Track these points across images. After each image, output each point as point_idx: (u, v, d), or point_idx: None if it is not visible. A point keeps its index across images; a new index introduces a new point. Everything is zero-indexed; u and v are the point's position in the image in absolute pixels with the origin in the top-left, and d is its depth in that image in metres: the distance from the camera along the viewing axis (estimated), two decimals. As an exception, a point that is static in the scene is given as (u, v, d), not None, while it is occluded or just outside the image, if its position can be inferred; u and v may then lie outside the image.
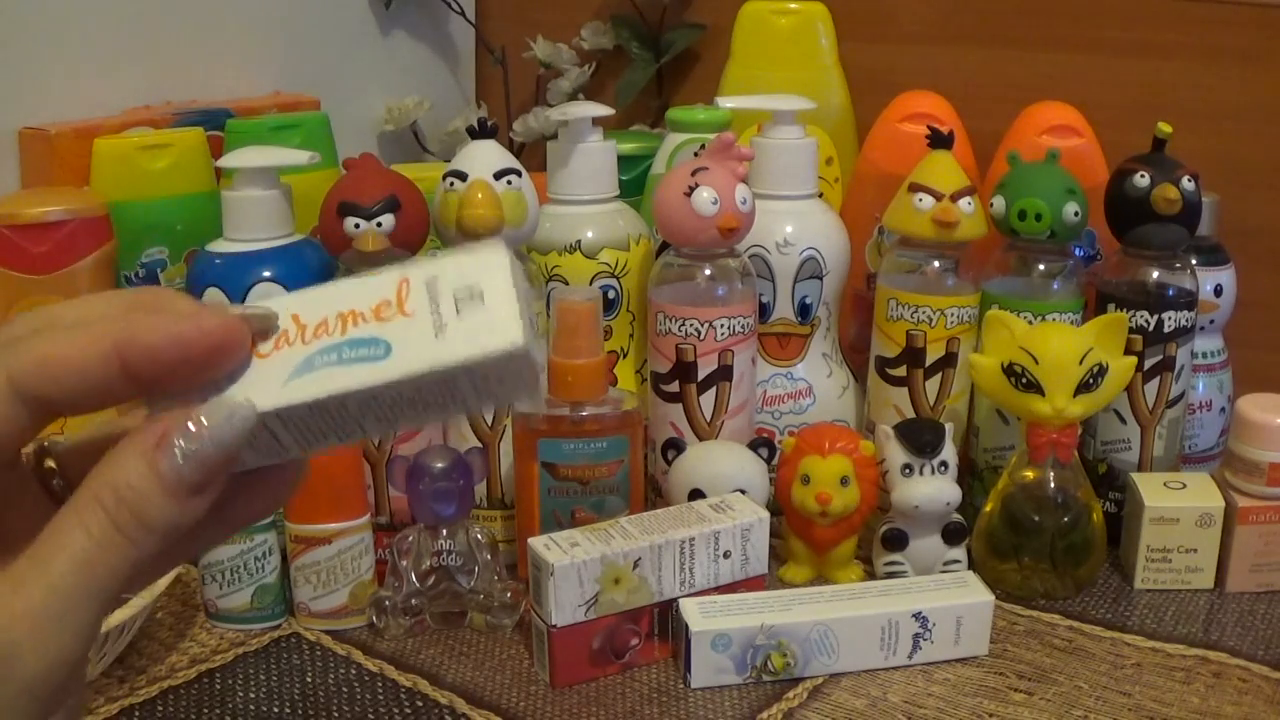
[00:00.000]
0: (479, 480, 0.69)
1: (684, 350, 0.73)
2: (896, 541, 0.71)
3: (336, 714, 0.60)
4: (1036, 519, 0.70)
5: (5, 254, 0.71)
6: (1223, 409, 0.82)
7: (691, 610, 0.62)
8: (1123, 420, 0.75)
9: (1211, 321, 0.81)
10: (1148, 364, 0.74)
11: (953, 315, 0.74)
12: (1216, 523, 0.71)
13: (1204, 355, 0.81)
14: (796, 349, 0.80)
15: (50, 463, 0.36)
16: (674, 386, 0.74)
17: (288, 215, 0.71)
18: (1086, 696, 0.62)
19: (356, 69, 1.08)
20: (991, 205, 0.74)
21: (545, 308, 0.74)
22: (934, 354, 0.75)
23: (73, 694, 0.32)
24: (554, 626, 0.61)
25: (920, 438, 0.70)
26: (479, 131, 0.70)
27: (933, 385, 0.76)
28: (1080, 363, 0.68)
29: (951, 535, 0.71)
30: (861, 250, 0.85)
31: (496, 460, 0.72)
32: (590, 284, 0.76)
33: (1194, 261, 0.76)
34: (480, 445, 0.72)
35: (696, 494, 0.70)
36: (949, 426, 0.71)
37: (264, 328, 0.33)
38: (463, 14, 1.16)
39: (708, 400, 0.74)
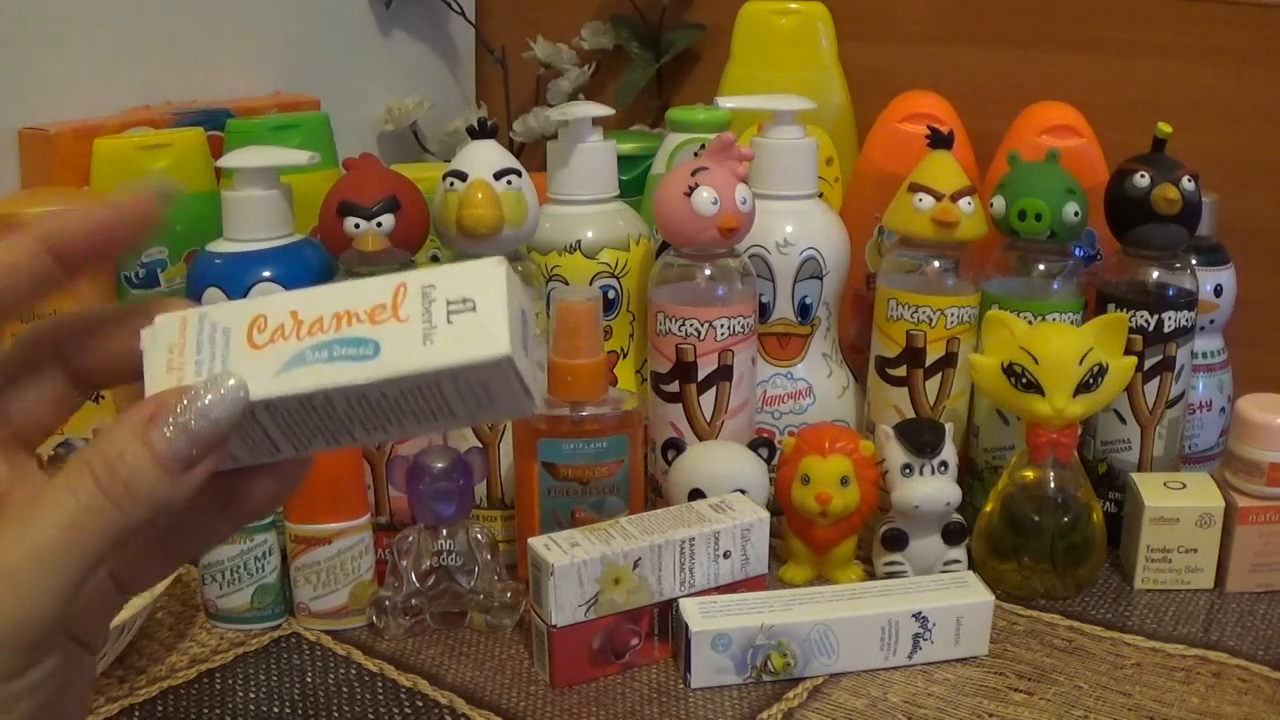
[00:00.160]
0: (479, 480, 0.69)
1: (684, 350, 0.73)
2: (896, 541, 0.71)
3: (336, 714, 0.60)
4: (1036, 519, 0.70)
5: (5, 254, 0.71)
6: (1223, 409, 0.82)
7: (691, 610, 0.62)
8: (1123, 420, 0.75)
9: (1211, 321, 0.81)
10: (1148, 364, 0.74)
11: (953, 315, 0.74)
12: (1216, 523, 0.71)
13: (1204, 355, 0.81)
14: (796, 349, 0.80)
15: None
16: (674, 386, 0.74)
17: (288, 215, 0.71)
18: (1086, 696, 0.62)
19: (356, 69, 1.08)
20: (991, 205, 0.74)
21: (545, 308, 0.74)
22: (934, 354, 0.75)
23: (51, 655, 0.32)
24: (554, 626, 0.61)
25: (920, 438, 0.70)
26: (479, 131, 0.70)
27: (933, 385, 0.76)
28: (1080, 363, 0.68)
29: (951, 535, 0.71)
30: (861, 250, 0.85)
31: (496, 460, 0.72)
32: (590, 284, 0.76)
33: (1194, 261, 0.76)
34: (480, 445, 0.72)
35: (696, 494, 0.70)
36: (949, 426, 0.71)
37: (166, 197, 0.37)
38: (463, 14, 1.16)
39: (708, 400, 0.74)
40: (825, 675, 0.63)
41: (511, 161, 0.70)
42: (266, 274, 0.69)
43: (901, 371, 0.76)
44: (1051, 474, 0.70)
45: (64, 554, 0.31)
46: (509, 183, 0.69)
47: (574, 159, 0.75)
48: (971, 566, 0.71)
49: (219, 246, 0.70)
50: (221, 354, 0.34)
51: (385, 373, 0.33)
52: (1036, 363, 0.68)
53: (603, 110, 0.76)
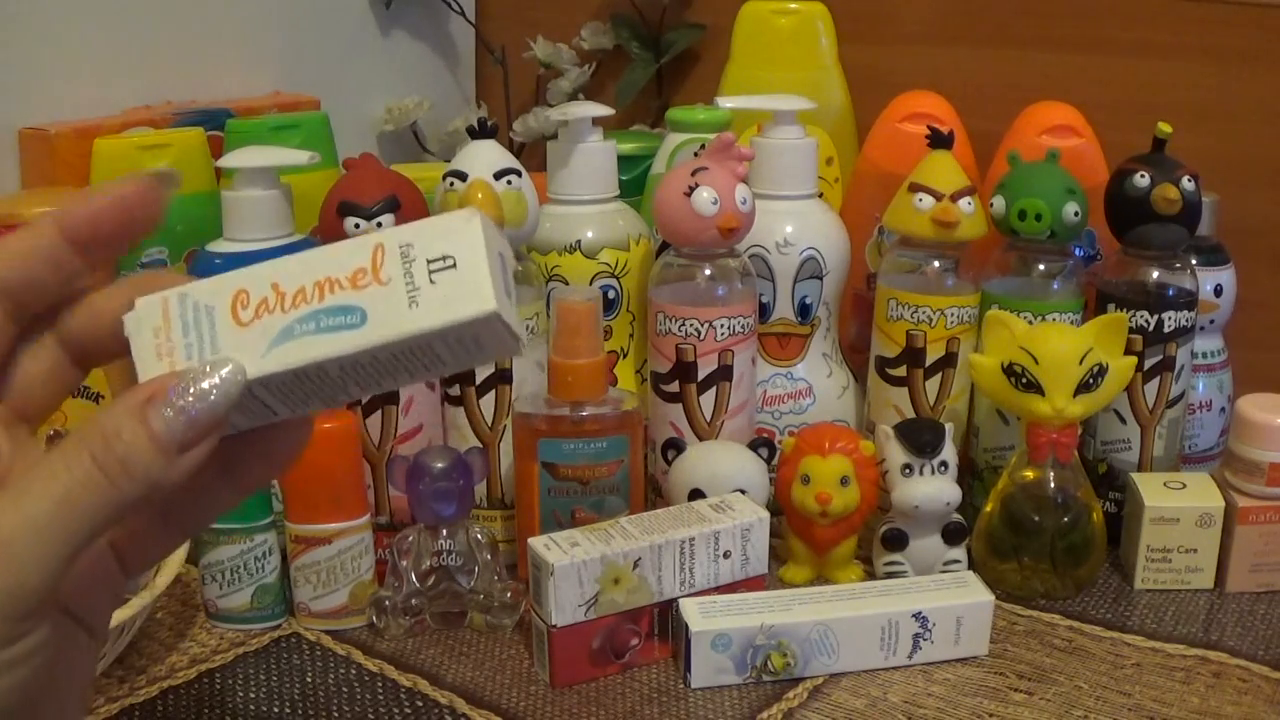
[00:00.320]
0: (479, 480, 0.69)
1: (684, 350, 0.73)
2: (896, 541, 0.71)
3: (336, 714, 0.60)
4: (1036, 519, 0.70)
5: (5, 254, 0.71)
6: (1223, 409, 0.82)
7: (691, 610, 0.62)
8: (1123, 420, 0.75)
9: (1211, 321, 0.81)
10: (1148, 364, 0.74)
11: (953, 315, 0.74)
12: (1216, 523, 0.71)
13: (1204, 355, 0.81)
14: (796, 349, 0.80)
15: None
16: (674, 386, 0.74)
17: (288, 215, 0.71)
18: (1086, 696, 0.62)
19: (356, 69, 1.08)
20: (991, 205, 0.74)
21: (545, 308, 0.74)
22: (934, 354, 0.75)
23: (40, 627, 0.33)
24: (554, 626, 0.61)
25: (920, 438, 0.70)
26: (479, 131, 0.70)
27: (933, 385, 0.76)
28: (1080, 363, 0.68)
29: (951, 535, 0.71)
30: (861, 250, 0.85)
31: (496, 460, 0.72)
32: (590, 284, 0.76)
33: (1194, 261, 0.76)
34: (480, 445, 0.72)
35: (696, 494, 0.70)
36: (949, 426, 0.71)
37: (168, 182, 0.37)
38: (463, 14, 1.16)
39: (708, 400, 0.74)
40: (825, 675, 0.63)
41: (511, 161, 0.70)
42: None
43: (901, 371, 0.76)
44: (1051, 474, 0.70)
45: (57, 526, 0.32)
46: (509, 183, 0.69)
47: (574, 159, 0.75)
48: (971, 566, 0.71)
49: (219, 246, 0.70)
50: (209, 335, 0.34)
51: (375, 339, 0.33)
52: (1036, 363, 0.68)
53: (603, 110, 0.76)
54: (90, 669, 0.39)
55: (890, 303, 0.75)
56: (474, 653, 0.66)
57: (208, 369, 0.33)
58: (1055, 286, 0.75)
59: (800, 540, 0.72)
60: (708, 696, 0.62)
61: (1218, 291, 0.80)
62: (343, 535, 0.66)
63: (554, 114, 0.76)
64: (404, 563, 0.67)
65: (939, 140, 0.74)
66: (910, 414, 0.76)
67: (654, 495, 0.77)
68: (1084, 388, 0.68)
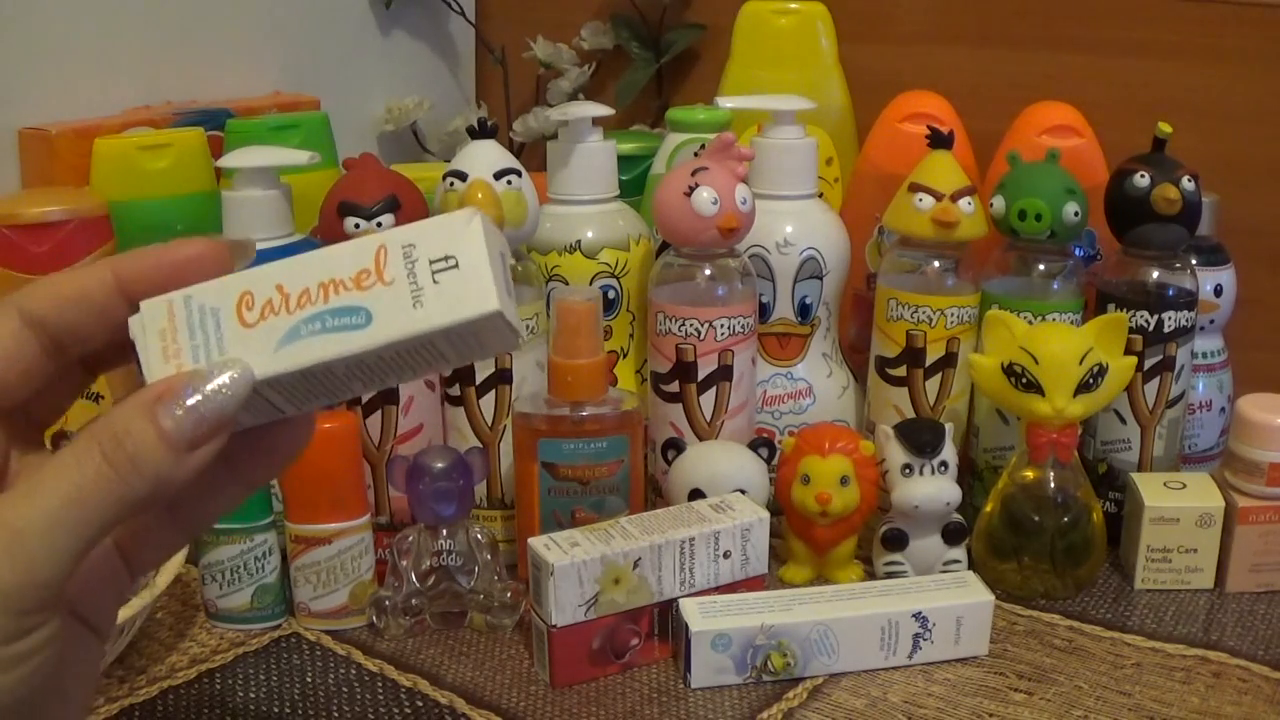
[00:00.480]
0: (479, 480, 0.69)
1: (684, 350, 0.73)
2: (896, 541, 0.71)
3: (336, 714, 0.60)
4: (1036, 519, 0.70)
5: (5, 254, 0.71)
6: (1223, 409, 0.82)
7: (691, 610, 0.62)
8: (1123, 420, 0.75)
9: (1211, 321, 0.81)
10: (1148, 364, 0.74)
11: (953, 315, 0.74)
12: (1216, 523, 0.71)
13: (1204, 355, 0.81)
14: (796, 349, 0.80)
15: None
16: (674, 386, 0.74)
17: (288, 215, 0.71)
18: (1086, 696, 0.62)
19: (356, 69, 1.08)
20: (991, 205, 0.74)
21: (545, 308, 0.74)
22: (934, 354, 0.75)
23: (48, 623, 0.33)
24: (554, 626, 0.61)
25: (920, 438, 0.70)
26: (479, 131, 0.70)
27: (933, 385, 0.76)
28: (1080, 363, 0.68)
29: (951, 535, 0.71)
30: (861, 250, 0.85)
31: (496, 460, 0.72)
32: (590, 284, 0.76)
33: (1194, 261, 0.76)
34: (480, 445, 0.72)
35: (696, 494, 0.70)
36: (949, 426, 0.71)
37: (242, 253, 0.37)
38: (463, 14, 1.16)
39: (708, 400, 0.74)
40: (825, 675, 0.63)
41: (511, 161, 0.70)
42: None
43: (901, 371, 0.76)
44: (1051, 474, 0.70)
45: (68, 521, 0.32)
46: (509, 183, 0.69)
47: (574, 159, 0.75)
48: (971, 566, 0.71)
49: (219, 246, 0.70)
50: (216, 337, 0.35)
51: (380, 339, 0.34)
52: (1036, 363, 0.68)
53: (603, 110, 0.76)
54: (95, 669, 0.40)
55: (890, 303, 0.75)
56: (474, 653, 0.66)
57: (217, 370, 0.34)
58: (1055, 286, 0.75)
59: (800, 540, 0.72)
60: (708, 696, 0.62)
61: (1218, 291, 0.80)
62: (343, 535, 0.66)
63: (554, 114, 0.76)
64: (404, 563, 0.67)
65: (939, 140, 0.74)
66: (910, 414, 0.76)
67: (654, 495, 0.77)
68: (1084, 388, 0.68)
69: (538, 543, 0.62)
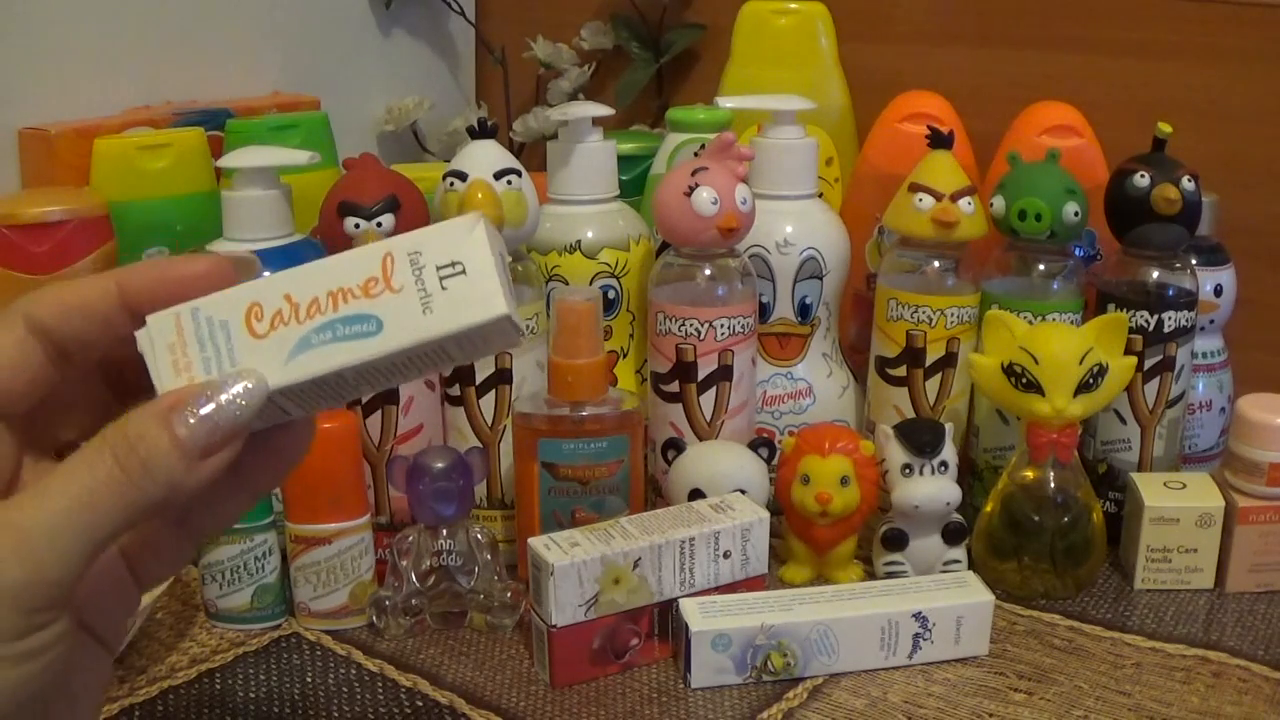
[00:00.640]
0: (479, 480, 0.69)
1: (684, 350, 0.73)
2: (896, 541, 0.71)
3: (336, 714, 0.60)
4: (1036, 519, 0.70)
5: (5, 254, 0.71)
6: (1223, 409, 0.82)
7: (691, 610, 0.62)
8: (1123, 420, 0.75)
9: (1211, 321, 0.81)
10: (1148, 364, 0.74)
11: (953, 315, 0.74)
12: (1216, 523, 0.71)
13: (1204, 355, 0.81)
14: (796, 349, 0.80)
15: None
16: (674, 386, 0.74)
17: (288, 215, 0.71)
18: (1086, 696, 0.62)
19: (356, 69, 1.08)
20: (991, 205, 0.74)
21: (545, 308, 0.74)
22: (934, 354, 0.75)
23: (56, 623, 0.33)
24: (554, 626, 0.61)
25: (920, 438, 0.70)
26: (479, 131, 0.70)
27: (933, 385, 0.76)
28: (1080, 363, 0.68)
29: (951, 535, 0.71)
30: (861, 250, 0.85)
31: (496, 460, 0.72)
32: (590, 284, 0.76)
33: (1194, 261, 0.76)
34: (480, 445, 0.72)
35: (696, 494, 0.70)
36: (949, 426, 0.71)
37: (246, 270, 0.37)
38: (463, 14, 1.16)
39: (708, 400, 0.74)
40: (825, 675, 0.63)
41: (511, 161, 0.70)
42: (267, 274, 0.68)
43: (901, 371, 0.76)
44: (1051, 474, 0.70)
45: (78, 523, 0.32)
46: (509, 183, 0.69)
47: (574, 159, 0.75)
48: (971, 566, 0.71)
49: (219, 246, 0.70)
50: (226, 349, 0.35)
51: (392, 346, 0.35)
52: (1036, 363, 0.68)
53: (603, 110, 0.76)
54: (103, 681, 0.40)
55: (890, 303, 0.75)
56: (474, 653, 0.66)
57: (232, 379, 0.34)
58: (1055, 286, 0.75)
59: (800, 540, 0.72)
60: (708, 696, 0.62)
61: (1218, 291, 0.80)
62: (343, 535, 0.66)
63: (554, 114, 0.76)
64: (404, 563, 0.67)
65: (939, 140, 0.74)
66: (910, 414, 0.76)
67: (654, 495, 0.77)
68: (1084, 388, 0.68)
69: (538, 543, 0.62)
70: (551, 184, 0.77)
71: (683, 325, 0.73)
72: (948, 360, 0.75)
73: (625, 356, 0.80)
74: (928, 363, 0.75)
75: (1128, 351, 0.70)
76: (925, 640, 0.64)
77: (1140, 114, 0.81)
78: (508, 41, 1.15)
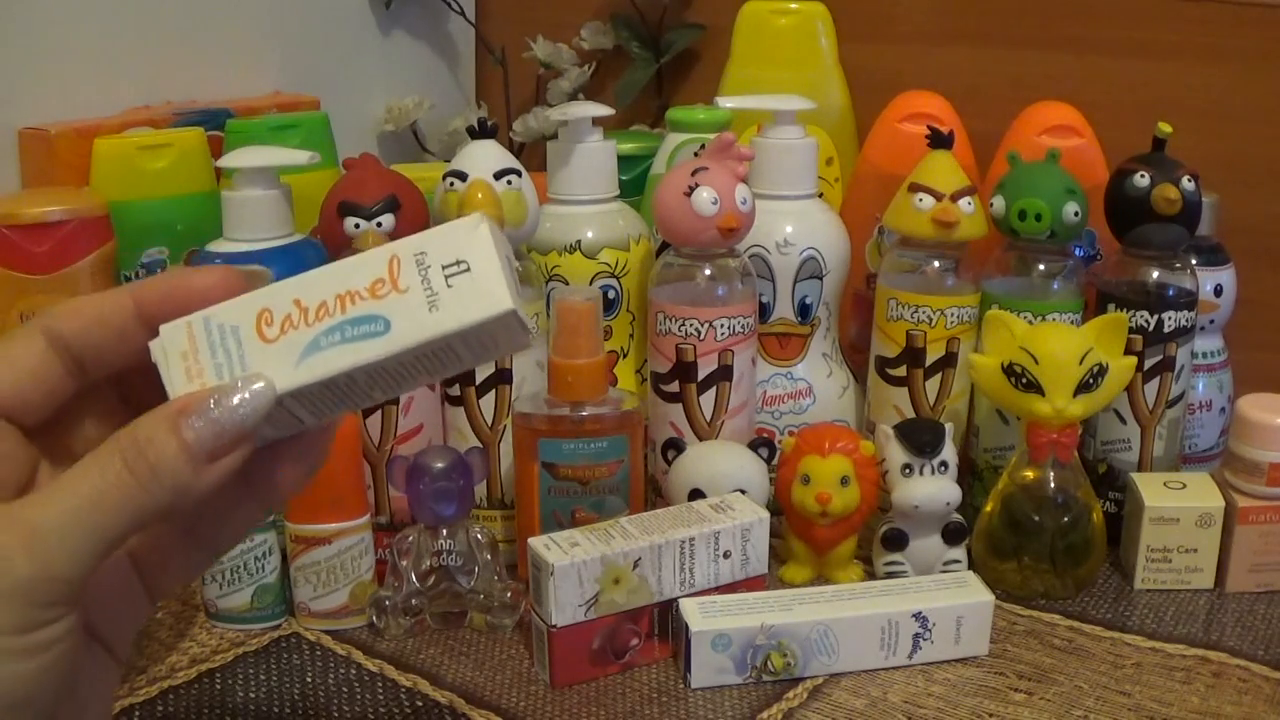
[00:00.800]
0: (479, 480, 0.69)
1: (684, 350, 0.73)
2: (896, 541, 0.71)
3: (336, 714, 0.60)
4: (1036, 519, 0.70)
5: (5, 254, 0.71)
6: (1223, 409, 0.82)
7: (691, 610, 0.62)
8: (1123, 420, 0.75)
9: (1211, 321, 0.81)
10: (1148, 364, 0.74)
11: (953, 315, 0.74)
12: (1216, 523, 0.71)
13: (1204, 355, 0.81)
14: (796, 349, 0.80)
15: None
16: (674, 386, 0.74)
17: (288, 215, 0.71)
18: (1086, 696, 0.62)
19: (356, 69, 1.08)
20: (991, 205, 0.74)
21: (545, 308, 0.74)
22: (934, 354, 0.75)
23: (63, 620, 0.34)
24: (554, 626, 0.61)
25: (920, 438, 0.70)
26: (479, 131, 0.70)
27: (933, 385, 0.76)
28: (1080, 363, 0.68)
29: (951, 535, 0.71)
30: (861, 250, 0.85)
31: (496, 460, 0.72)
32: (590, 284, 0.76)
33: (1194, 261, 0.76)
34: (480, 445, 0.72)
35: (696, 494, 0.70)
36: (949, 426, 0.71)
37: (258, 282, 0.37)
38: (463, 14, 1.16)
39: (708, 400, 0.74)
40: (825, 675, 0.63)
41: (511, 161, 0.70)
42: (259, 265, 0.68)
43: (901, 371, 0.76)
44: (1051, 474, 0.70)
45: (86, 522, 0.33)
46: (509, 183, 0.69)
47: (574, 159, 0.75)
48: (971, 566, 0.71)
49: (219, 246, 0.70)
50: (237, 354, 0.36)
51: (400, 345, 0.35)
52: (1036, 363, 0.68)
53: (603, 110, 0.76)
54: (110, 690, 0.40)
55: (890, 303, 0.75)
56: (474, 653, 0.66)
57: (239, 384, 0.35)
58: (1055, 286, 0.75)
59: (800, 540, 0.72)
60: (708, 696, 0.62)
61: (1218, 291, 0.80)
62: (343, 535, 0.66)
63: (554, 114, 0.76)
64: (404, 563, 0.67)
65: (939, 140, 0.74)
66: (910, 414, 0.76)
67: (654, 495, 0.77)
68: (1084, 388, 0.68)
69: (538, 543, 0.62)
70: (551, 184, 0.77)
71: (683, 325, 0.73)
72: (948, 360, 0.75)
73: (625, 356, 0.80)
74: (928, 363, 0.75)
75: (1128, 351, 0.70)
76: (925, 640, 0.64)
77: (1140, 114, 0.81)
78: (508, 41, 1.15)
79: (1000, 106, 0.85)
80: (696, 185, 0.70)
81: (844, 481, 0.69)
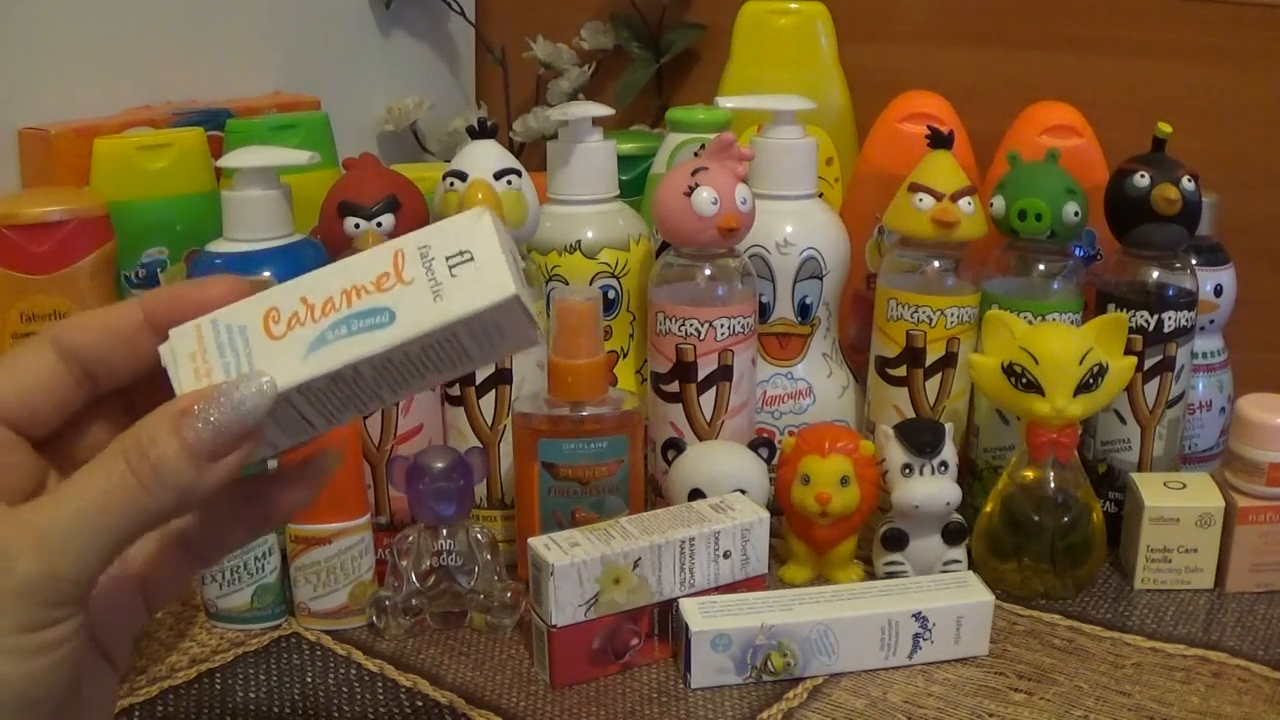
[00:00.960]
0: (479, 480, 0.69)
1: (684, 350, 0.73)
2: (896, 541, 0.71)
3: (336, 714, 0.60)
4: (1036, 519, 0.70)
5: (5, 254, 0.71)
6: (1223, 409, 0.82)
7: (691, 610, 0.62)
8: (1123, 420, 0.75)
9: (1211, 321, 0.81)
10: (1148, 364, 0.74)
11: (953, 315, 0.74)
12: (1216, 523, 0.71)
13: (1204, 355, 0.81)
14: (796, 349, 0.80)
15: None
16: (674, 386, 0.74)
17: (288, 215, 0.71)
18: (1086, 696, 0.62)
19: (356, 69, 1.08)
20: (991, 205, 0.74)
21: (545, 308, 0.74)
22: (934, 354, 0.75)
23: (69, 621, 0.34)
24: (554, 626, 0.61)
25: (920, 438, 0.70)
26: (479, 131, 0.70)
27: (933, 385, 0.76)
28: (1080, 363, 0.68)
29: (951, 535, 0.71)
30: (861, 250, 0.85)
31: (496, 460, 0.72)
32: (590, 284, 0.76)
33: (1194, 261, 0.76)
34: (480, 445, 0.72)
35: (696, 494, 0.70)
36: (949, 426, 0.71)
37: (259, 284, 0.38)
38: (463, 14, 1.16)
39: (708, 400, 0.74)
40: (825, 675, 0.63)
41: (511, 161, 0.70)
42: (266, 274, 0.69)
43: (901, 371, 0.76)
44: (1051, 474, 0.70)
45: (92, 523, 0.33)
46: (509, 183, 0.69)
47: (574, 159, 0.75)
48: (971, 566, 0.71)
49: (219, 246, 0.70)
50: (245, 353, 0.36)
51: (405, 335, 0.35)
52: (1036, 363, 0.68)
53: (603, 110, 0.76)
54: (110, 697, 0.41)
55: (890, 303, 0.75)
56: (474, 653, 0.66)
57: (241, 381, 0.35)
58: (1055, 286, 0.75)
59: (800, 540, 0.72)
60: (708, 696, 0.62)
61: (1218, 291, 0.80)
62: (343, 535, 0.66)
63: (554, 114, 0.76)
64: (404, 563, 0.67)
65: (939, 140, 0.74)
66: (910, 414, 0.76)
67: (654, 495, 0.77)
68: (1084, 388, 0.68)
69: (538, 543, 0.62)
70: (551, 184, 0.77)
71: (683, 325, 0.73)
72: (948, 360, 0.75)
73: (625, 356, 0.80)
74: (928, 363, 0.75)
75: (1128, 351, 0.70)
76: (925, 640, 0.64)
77: (1140, 114, 0.81)
78: (508, 41, 1.15)
79: (1000, 106, 0.85)
80: (696, 185, 0.70)
81: (844, 481, 0.69)
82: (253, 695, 0.62)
